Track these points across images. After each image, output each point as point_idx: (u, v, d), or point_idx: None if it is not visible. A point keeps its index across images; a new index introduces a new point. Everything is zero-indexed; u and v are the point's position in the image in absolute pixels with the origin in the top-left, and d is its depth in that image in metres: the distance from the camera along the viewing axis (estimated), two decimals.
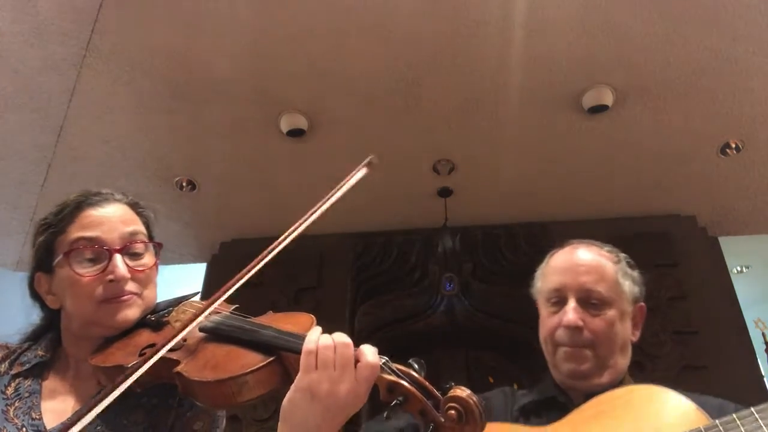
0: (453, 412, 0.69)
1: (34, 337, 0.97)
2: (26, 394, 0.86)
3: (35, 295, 0.95)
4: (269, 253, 0.84)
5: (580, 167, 3.23)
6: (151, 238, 0.98)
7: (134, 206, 0.99)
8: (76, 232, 0.90)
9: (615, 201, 3.48)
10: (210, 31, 2.43)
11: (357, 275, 3.60)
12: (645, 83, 2.67)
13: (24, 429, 0.82)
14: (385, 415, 0.71)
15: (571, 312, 1.06)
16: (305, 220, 0.87)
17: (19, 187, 3.25)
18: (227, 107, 2.83)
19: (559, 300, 1.10)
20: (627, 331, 1.10)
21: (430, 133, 3.00)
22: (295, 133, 2.93)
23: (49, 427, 0.83)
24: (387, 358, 0.75)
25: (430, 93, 2.75)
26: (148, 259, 0.95)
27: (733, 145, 3.01)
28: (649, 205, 3.50)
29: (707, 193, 3.39)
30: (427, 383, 0.73)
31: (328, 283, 3.59)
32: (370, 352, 0.74)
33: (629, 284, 1.12)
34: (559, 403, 1.08)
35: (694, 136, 2.97)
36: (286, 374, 0.78)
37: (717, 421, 0.85)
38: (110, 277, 0.88)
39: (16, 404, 0.84)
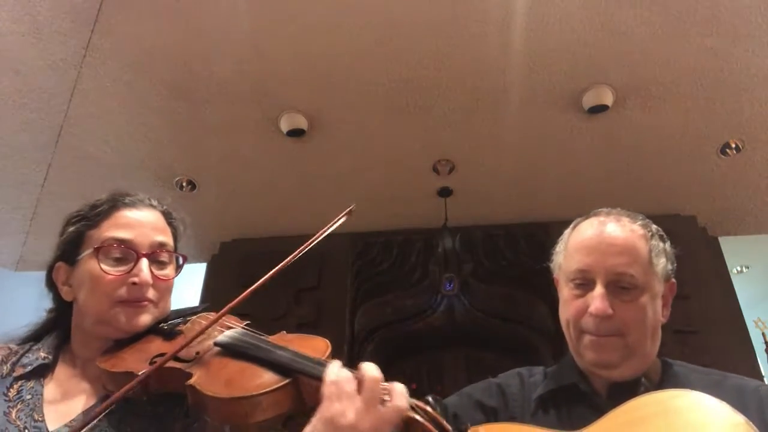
0: None
1: (38, 336, 0.96)
2: (28, 396, 0.85)
3: (51, 283, 0.95)
4: (258, 285, 0.84)
5: (580, 167, 3.23)
6: (176, 249, 1.00)
7: (167, 215, 1.01)
8: (109, 230, 0.91)
9: (615, 201, 3.46)
10: (210, 31, 2.43)
11: (357, 275, 3.59)
12: (645, 83, 2.67)
13: (26, 431, 0.81)
14: None
15: (599, 299, 0.95)
16: (293, 258, 0.88)
17: (19, 187, 3.25)
18: (227, 107, 2.82)
19: (584, 282, 0.99)
20: (658, 314, 0.99)
21: (430, 133, 3.00)
22: (295, 133, 2.93)
23: (51, 429, 0.82)
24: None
25: (430, 93, 2.75)
26: (170, 270, 0.97)
27: (733, 145, 3.01)
28: (649, 205, 3.49)
29: (707, 193, 3.39)
30: (444, 422, 0.72)
31: (328, 283, 3.58)
32: (401, 395, 0.71)
33: (663, 262, 1.01)
34: (581, 392, 1.00)
35: (694, 136, 2.97)
36: (299, 398, 0.76)
37: None
38: (134, 279, 0.89)
39: (19, 406, 0.84)
